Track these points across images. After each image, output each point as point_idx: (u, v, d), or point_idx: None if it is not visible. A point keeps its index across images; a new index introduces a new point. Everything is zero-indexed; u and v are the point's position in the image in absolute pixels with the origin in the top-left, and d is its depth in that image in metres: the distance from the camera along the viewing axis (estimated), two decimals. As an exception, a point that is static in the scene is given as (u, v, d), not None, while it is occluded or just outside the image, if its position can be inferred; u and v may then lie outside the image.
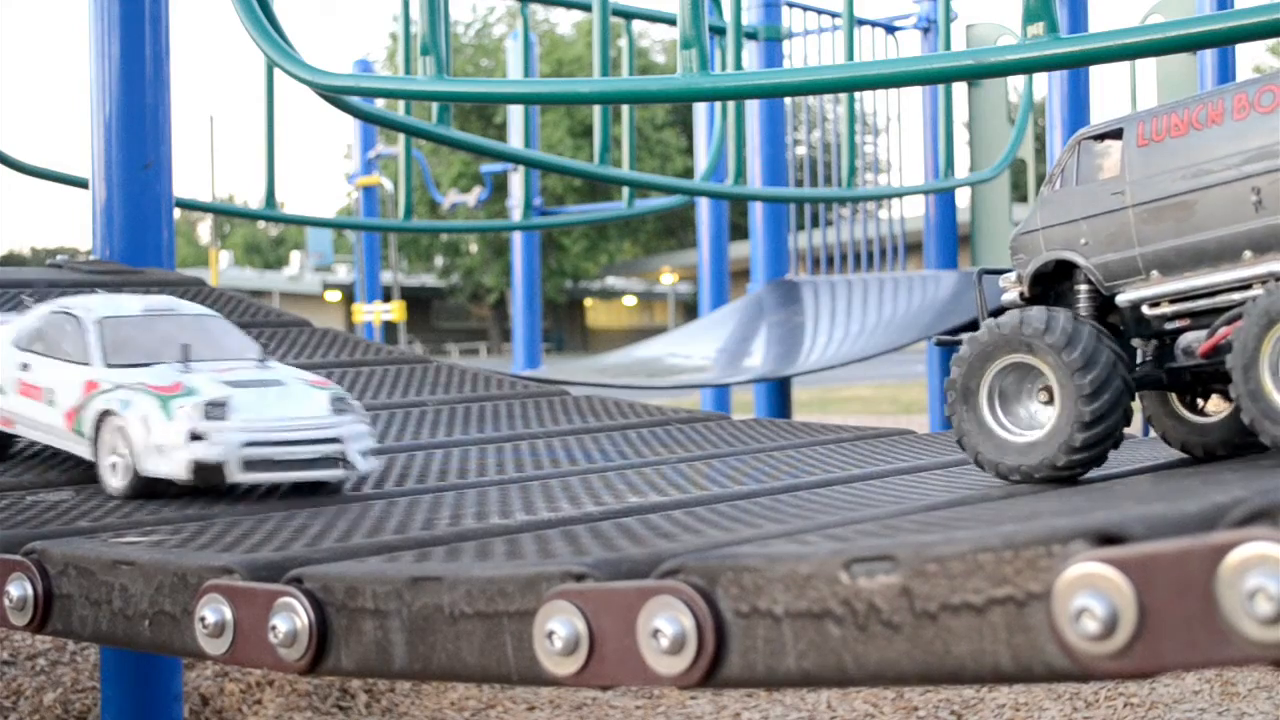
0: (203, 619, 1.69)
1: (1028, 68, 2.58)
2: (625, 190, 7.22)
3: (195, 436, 2.25)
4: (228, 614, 1.67)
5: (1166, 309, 1.96)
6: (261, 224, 45.30)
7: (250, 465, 2.26)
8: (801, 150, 7.52)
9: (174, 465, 2.24)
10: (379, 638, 1.57)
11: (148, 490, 2.30)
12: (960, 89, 7.24)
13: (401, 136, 5.96)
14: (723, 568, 1.32)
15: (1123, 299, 1.98)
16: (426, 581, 1.54)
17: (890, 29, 7.35)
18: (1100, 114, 6.31)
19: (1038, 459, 1.94)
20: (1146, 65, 6.91)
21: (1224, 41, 2.53)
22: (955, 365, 2.10)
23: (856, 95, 6.42)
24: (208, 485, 2.28)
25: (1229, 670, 4.35)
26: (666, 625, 1.33)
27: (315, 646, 1.60)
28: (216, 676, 4.38)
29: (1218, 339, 1.92)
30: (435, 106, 4.40)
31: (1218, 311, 1.92)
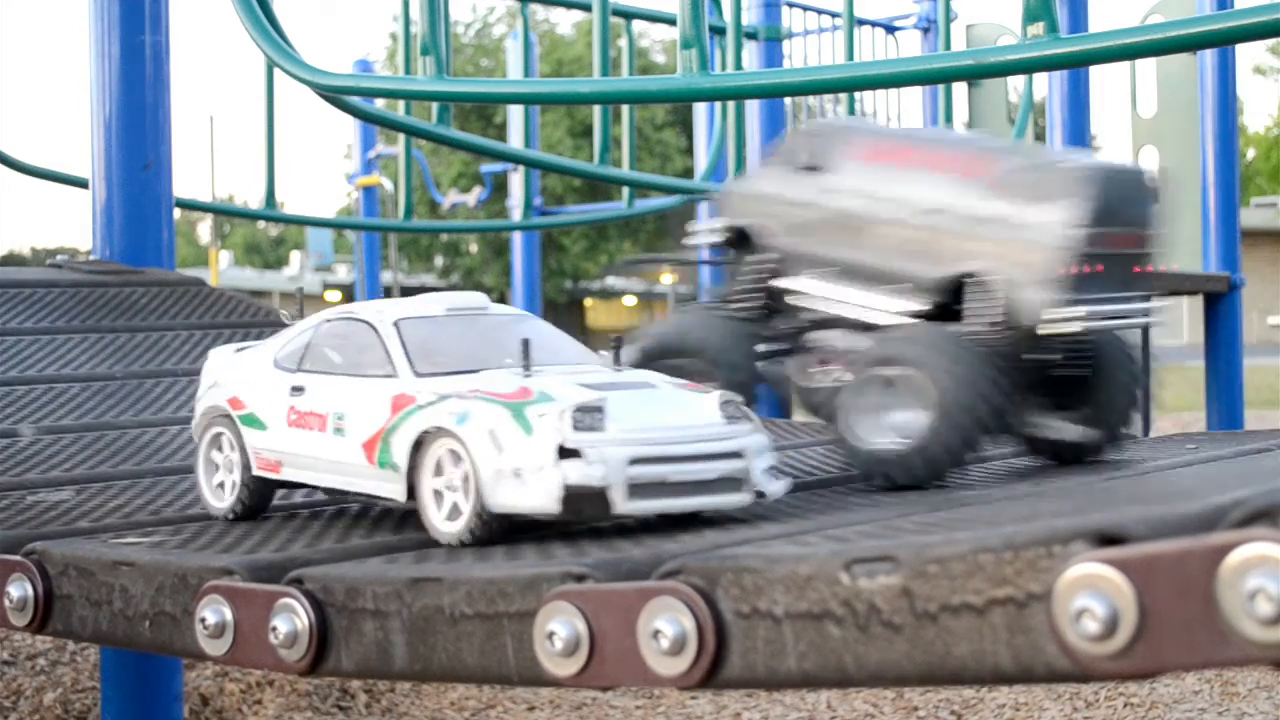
0: (203, 620, 1.69)
1: (1028, 68, 2.58)
2: (625, 190, 7.22)
3: (567, 453, 1.70)
4: (228, 615, 1.68)
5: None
6: (261, 224, 45.30)
7: (637, 490, 1.72)
8: (801, 150, 7.51)
9: (538, 494, 1.70)
10: (379, 638, 1.57)
11: (499, 533, 1.75)
12: (960, 89, 7.24)
13: (401, 136, 5.96)
14: (723, 569, 1.32)
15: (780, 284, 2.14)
16: (426, 582, 1.54)
17: (890, 29, 7.35)
18: (1100, 114, 6.32)
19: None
20: (1146, 65, 6.91)
21: (1224, 41, 2.53)
22: None
23: (856, 95, 6.42)
24: (583, 520, 1.76)
25: (1229, 671, 4.35)
26: (667, 626, 1.33)
27: (315, 647, 1.61)
28: (216, 676, 4.38)
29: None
30: (435, 106, 4.41)
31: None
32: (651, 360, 2.18)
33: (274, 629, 1.62)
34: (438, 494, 1.79)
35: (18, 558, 1.90)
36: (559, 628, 1.41)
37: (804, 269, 2.13)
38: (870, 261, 2.07)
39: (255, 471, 2.04)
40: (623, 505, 1.70)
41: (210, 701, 4.24)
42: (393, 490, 1.85)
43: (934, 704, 4.20)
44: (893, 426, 2.01)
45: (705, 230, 2.27)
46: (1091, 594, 1.09)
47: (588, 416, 1.72)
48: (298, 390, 2.00)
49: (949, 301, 2.06)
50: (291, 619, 1.61)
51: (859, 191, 2.08)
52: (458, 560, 1.69)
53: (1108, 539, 1.11)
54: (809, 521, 1.78)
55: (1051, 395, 2.17)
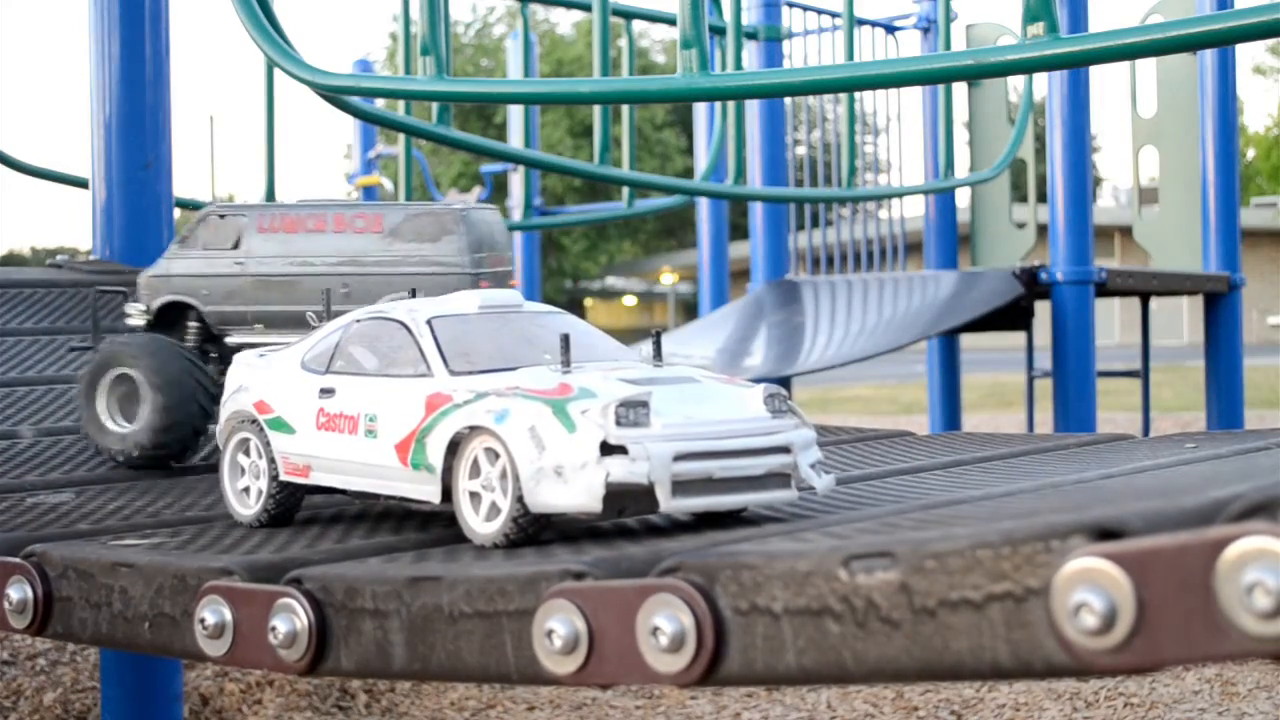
0: (202, 620, 1.69)
1: (1028, 68, 2.58)
2: (625, 190, 7.22)
3: (611, 449, 1.66)
4: (227, 615, 1.67)
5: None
6: (262, 225, 45.25)
7: (682, 487, 1.67)
8: (801, 150, 7.52)
9: (579, 493, 1.65)
10: (379, 638, 1.57)
11: (536, 534, 1.71)
12: (960, 89, 7.24)
13: (401, 136, 5.96)
14: (721, 565, 1.32)
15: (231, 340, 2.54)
16: (425, 581, 1.54)
17: (890, 29, 7.35)
18: (1100, 114, 6.31)
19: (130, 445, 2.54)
20: (1146, 65, 6.91)
21: (1224, 41, 2.53)
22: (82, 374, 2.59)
23: (856, 95, 6.41)
24: (627, 517, 1.73)
25: (1229, 670, 4.35)
26: (666, 623, 1.33)
27: (315, 647, 1.61)
28: (216, 676, 4.38)
29: None
30: (435, 106, 4.41)
31: None
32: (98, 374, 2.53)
33: (273, 629, 1.62)
34: (474, 495, 1.74)
35: (17, 560, 1.90)
36: (558, 626, 1.41)
37: (236, 324, 2.53)
38: (297, 310, 2.47)
39: (283, 477, 2.00)
40: (667, 503, 1.66)
41: (210, 701, 4.24)
42: (427, 492, 1.81)
43: (934, 704, 4.20)
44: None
45: (137, 313, 2.58)
46: (1089, 588, 1.09)
47: (632, 412, 1.68)
48: (327, 392, 1.96)
49: None
50: (291, 619, 1.61)
51: (276, 257, 2.50)
52: (457, 559, 1.69)
53: (1106, 533, 1.12)
54: (808, 518, 1.79)
55: None
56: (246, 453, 2.07)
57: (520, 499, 1.68)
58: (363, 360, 1.96)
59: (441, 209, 2.51)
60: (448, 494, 1.79)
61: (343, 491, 1.98)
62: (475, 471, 1.75)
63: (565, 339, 1.82)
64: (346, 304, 2.36)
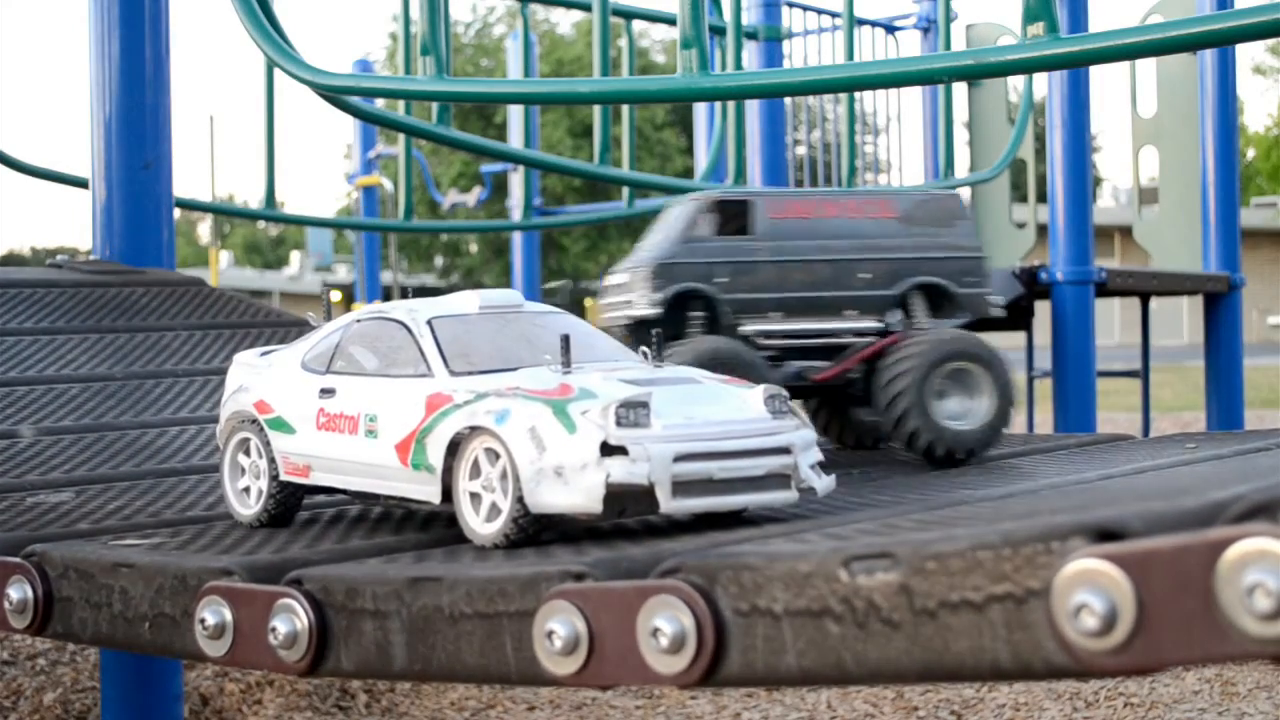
0: (203, 621, 1.69)
1: (1028, 68, 2.58)
2: (625, 190, 7.21)
3: (611, 450, 1.66)
4: (227, 616, 1.68)
5: (778, 341, 2.48)
6: (261, 224, 45.31)
7: (683, 488, 1.68)
8: (801, 150, 7.52)
9: (580, 493, 1.66)
10: (379, 638, 1.57)
11: (536, 534, 1.71)
12: (960, 89, 7.24)
13: (401, 136, 5.95)
14: (722, 566, 1.32)
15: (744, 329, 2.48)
16: (426, 582, 1.54)
17: (890, 29, 7.35)
18: (1100, 114, 6.31)
19: None
20: (1146, 65, 6.91)
21: (1224, 41, 2.53)
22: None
23: (856, 95, 6.41)
24: (626, 517, 1.73)
25: (1229, 670, 4.35)
26: (666, 624, 1.33)
27: (315, 648, 1.61)
28: (216, 676, 4.38)
29: (839, 370, 2.48)
30: (435, 106, 4.41)
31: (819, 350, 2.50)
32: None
33: (273, 629, 1.62)
34: (474, 495, 1.75)
35: (17, 560, 1.90)
36: (558, 627, 1.41)
37: (752, 311, 2.47)
38: (817, 295, 2.47)
39: (283, 477, 2.00)
40: (668, 504, 1.67)
41: (210, 701, 4.24)
42: (427, 492, 1.81)
43: (934, 704, 4.20)
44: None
45: (645, 303, 2.48)
46: (1090, 590, 1.09)
47: (632, 412, 1.68)
48: (327, 392, 1.96)
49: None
50: (291, 619, 1.61)
51: (797, 241, 2.47)
52: (457, 560, 1.69)
53: (1106, 534, 1.11)
54: (808, 519, 1.78)
55: None
56: (246, 452, 2.07)
57: (520, 499, 1.68)
58: (363, 360, 1.96)
59: (947, 195, 2.59)
60: (448, 494, 1.79)
61: (343, 492, 1.98)
62: (475, 472, 1.75)
63: (565, 339, 1.82)
64: (867, 289, 2.46)
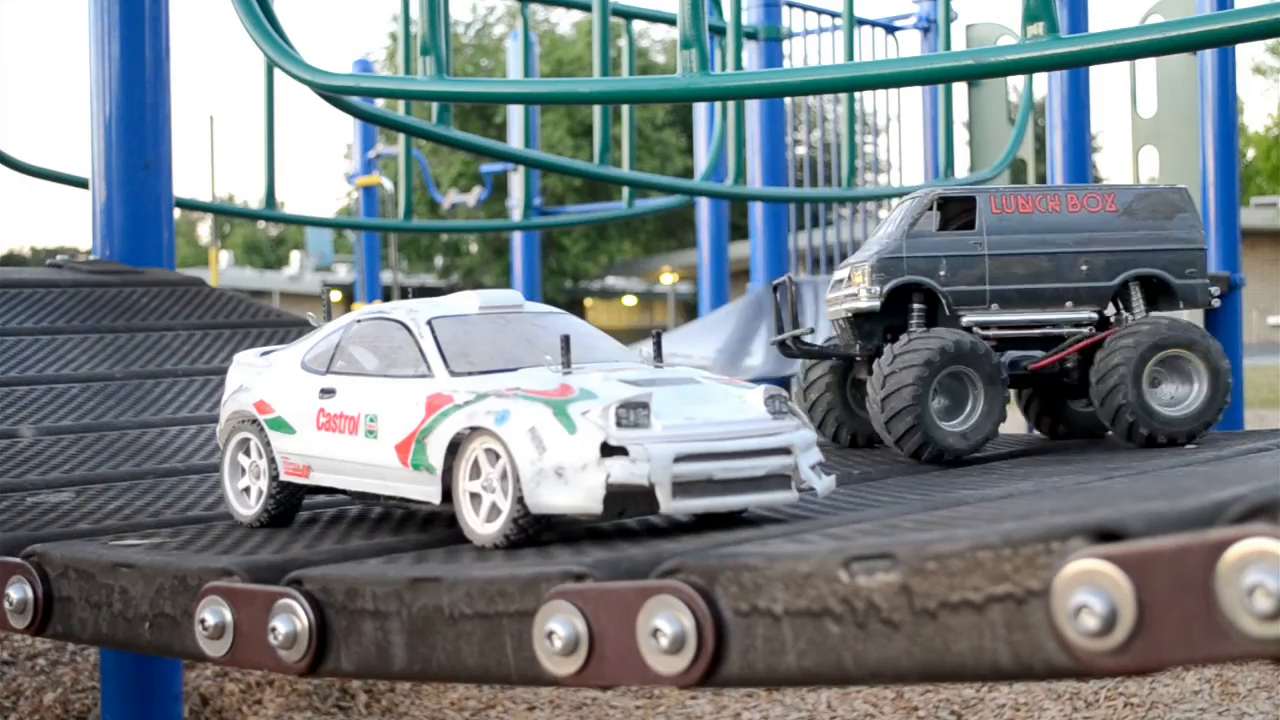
0: (203, 621, 1.69)
1: (1028, 68, 2.58)
2: (625, 190, 7.22)
3: (611, 450, 1.66)
4: (228, 616, 1.67)
5: (995, 332, 2.55)
6: (261, 224, 45.30)
7: (683, 488, 1.68)
8: (801, 150, 7.52)
9: (580, 494, 1.66)
10: (379, 639, 1.57)
11: (536, 534, 1.71)
12: (960, 89, 7.24)
13: (401, 136, 5.96)
14: (722, 567, 1.32)
15: (966, 320, 2.54)
16: (426, 582, 1.54)
17: (890, 29, 7.35)
18: (1101, 114, 6.32)
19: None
20: (1146, 65, 6.91)
21: (1224, 41, 2.53)
22: None
23: (856, 95, 6.41)
24: (626, 518, 1.73)
25: (1229, 670, 4.35)
26: (666, 625, 1.33)
27: (315, 648, 1.60)
28: (216, 676, 4.38)
29: (1056, 358, 2.56)
30: (435, 106, 4.41)
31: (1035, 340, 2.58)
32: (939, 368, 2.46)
33: (273, 630, 1.62)
34: (474, 495, 1.75)
35: (17, 560, 1.90)
36: (558, 627, 1.41)
37: (973, 303, 2.54)
38: (1038, 287, 2.55)
39: (283, 477, 2.00)
40: (668, 504, 1.67)
41: (210, 701, 4.23)
42: (427, 492, 1.81)
43: (934, 704, 4.20)
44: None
45: (866, 294, 2.56)
46: (1090, 590, 1.09)
47: (632, 413, 1.68)
48: (327, 393, 1.96)
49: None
50: (291, 620, 1.61)
51: (1018, 235, 2.55)
52: (457, 560, 1.69)
53: (1106, 535, 1.11)
54: (808, 519, 1.78)
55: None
56: (247, 453, 2.07)
57: (520, 500, 1.68)
58: (363, 361, 1.96)
59: (1171, 189, 2.62)
60: (448, 495, 1.79)
61: (343, 492, 1.98)
62: (476, 472, 1.75)
63: (565, 340, 1.82)
64: (1087, 281, 2.54)
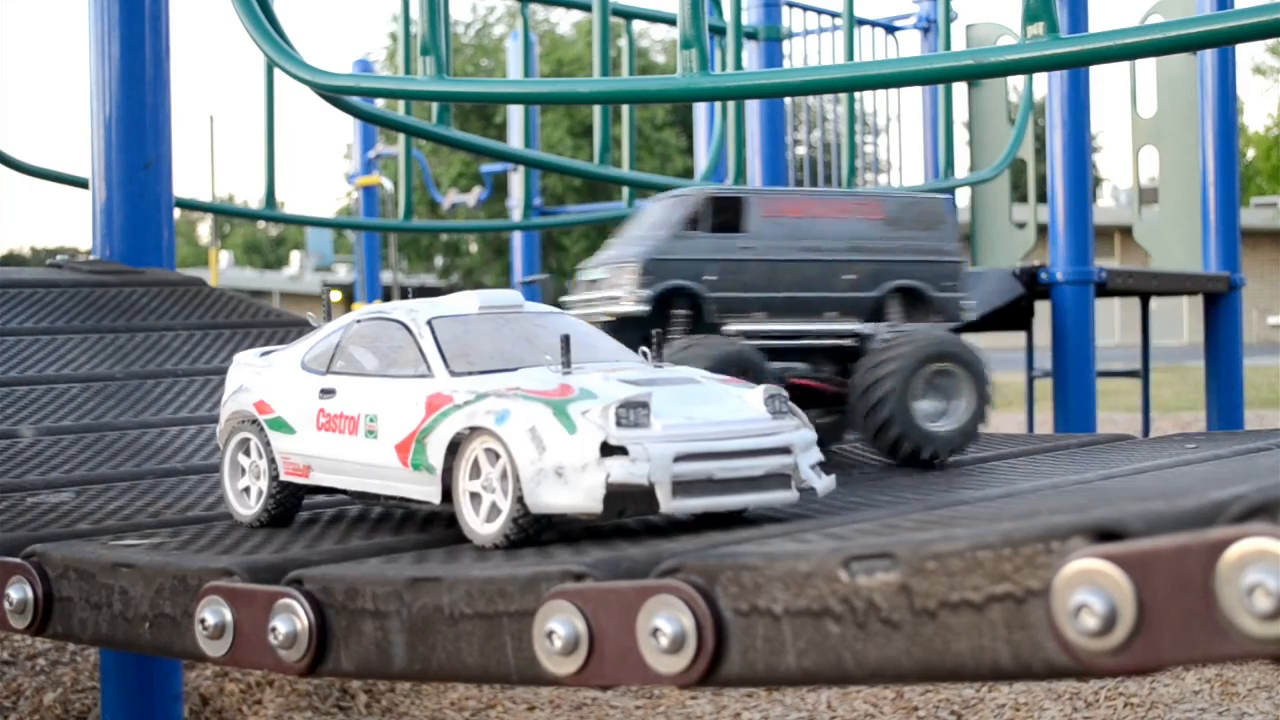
0: (203, 621, 1.69)
1: (1028, 68, 2.58)
2: (625, 190, 7.21)
3: (611, 450, 1.66)
4: (228, 616, 1.68)
5: (759, 342, 2.42)
6: (261, 224, 45.29)
7: (683, 488, 1.68)
8: (801, 150, 7.52)
9: (580, 494, 1.66)
10: (379, 639, 1.57)
11: (536, 534, 1.71)
12: (960, 89, 7.24)
13: (401, 136, 5.96)
14: (722, 566, 1.32)
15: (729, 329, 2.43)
16: (426, 582, 1.54)
17: (890, 29, 7.35)
18: (1101, 114, 6.31)
19: None
20: (1146, 65, 6.91)
21: (1224, 41, 2.53)
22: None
23: (856, 95, 6.41)
24: (626, 517, 1.74)
25: (1229, 670, 4.35)
26: (666, 624, 1.33)
27: (315, 648, 1.61)
28: (216, 676, 4.38)
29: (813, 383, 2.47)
30: (435, 106, 4.41)
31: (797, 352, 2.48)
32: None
33: (273, 630, 1.62)
34: (474, 495, 1.75)
35: (18, 560, 1.90)
36: (558, 627, 1.41)
37: (738, 311, 2.43)
38: (804, 296, 2.45)
39: (283, 477, 2.00)
40: (668, 504, 1.67)
41: (210, 701, 4.24)
42: (427, 492, 1.81)
43: (934, 704, 4.20)
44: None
45: (637, 297, 2.42)
46: (1090, 590, 1.09)
47: (632, 413, 1.68)
48: (327, 393, 1.96)
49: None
50: (291, 619, 1.61)
51: (786, 241, 2.44)
52: (457, 560, 1.69)
53: (1106, 534, 1.11)
54: (808, 519, 1.78)
55: None
56: (247, 453, 2.07)
57: (520, 500, 1.68)
58: (363, 361, 1.96)
59: (933, 198, 2.55)
60: (448, 495, 1.79)
61: (344, 492, 1.98)
62: (476, 472, 1.75)
63: (565, 339, 1.83)
64: (851, 291, 2.44)
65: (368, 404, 1.89)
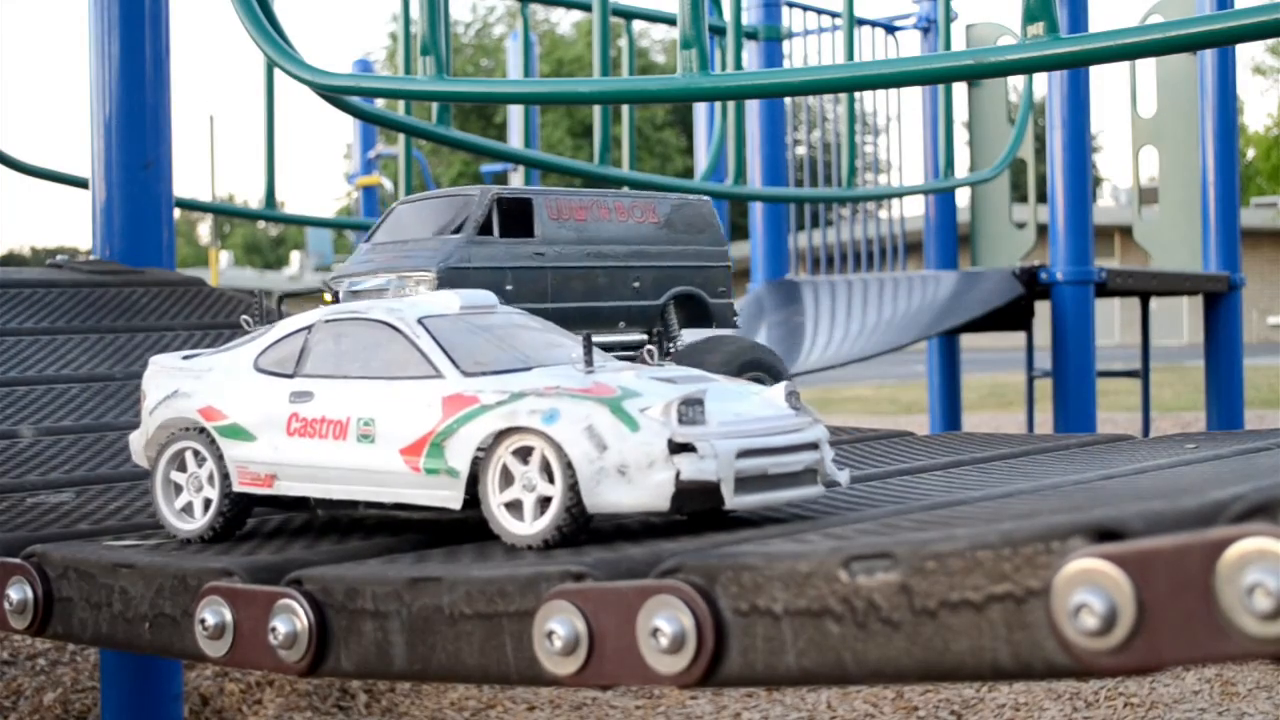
0: (203, 621, 1.69)
1: (1028, 68, 2.58)
2: (625, 190, 7.21)
3: (680, 448, 1.64)
4: (227, 616, 1.68)
5: None
6: (261, 224, 45.31)
7: (743, 484, 1.67)
8: (801, 150, 7.52)
9: (646, 492, 1.62)
10: (379, 639, 1.57)
11: (581, 531, 1.66)
12: (960, 89, 7.24)
13: (401, 136, 5.96)
14: (722, 566, 1.32)
15: None
16: (426, 582, 1.54)
17: (890, 29, 7.35)
18: (1100, 114, 6.31)
19: None
20: (1146, 65, 6.91)
21: (1224, 41, 2.53)
22: None
23: (856, 95, 6.41)
24: (686, 514, 1.71)
25: (1229, 670, 4.35)
26: (666, 624, 1.33)
27: (315, 648, 1.61)
28: (216, 676, 4.38)
29: None
30: (435, 106, 4.41)
31: None
32: None
33: (273, 630, 1.62)
34: (513, 497, 1.68)
35: (17, 560, 1.90)
36: (558, 627, 1.41)
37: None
38: (595, 306, 2.29)
39: (238, 488, 1.91)
40: (731, 500, 1.65)
41: (210, 701, 4.24)
42: (444, 497, 1.73)
43: (934, 704, 4.20)
44: None
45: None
46: (1090, 589, 1.09)
47: (691, 410, 1.65)
48: (302, 396, 1.86)
49: None
50: (291, 620, 1.61)
51: (575, 245, 2.27)
52: (457, 560, 1.69)
53: (1106, 534, 1.11)
54: (808, 519, 1.78)
55: None
56: (183, 466, 1.97)
57: (575, 500, 1.63)
58: (345, 363, 1.87)
59: (699, 200, 2.43)
60: (472, 498, 1.72)
61: (309, 504, 1.91)
62: (509, 474, 1.69)
63: (588, 338, 1.80)
64: (638, 299, 2.31)
65: (360, 407, 1.81)
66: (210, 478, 1.93)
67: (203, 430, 1.95)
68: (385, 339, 1.86)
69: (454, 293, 1.95)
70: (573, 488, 1.63)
